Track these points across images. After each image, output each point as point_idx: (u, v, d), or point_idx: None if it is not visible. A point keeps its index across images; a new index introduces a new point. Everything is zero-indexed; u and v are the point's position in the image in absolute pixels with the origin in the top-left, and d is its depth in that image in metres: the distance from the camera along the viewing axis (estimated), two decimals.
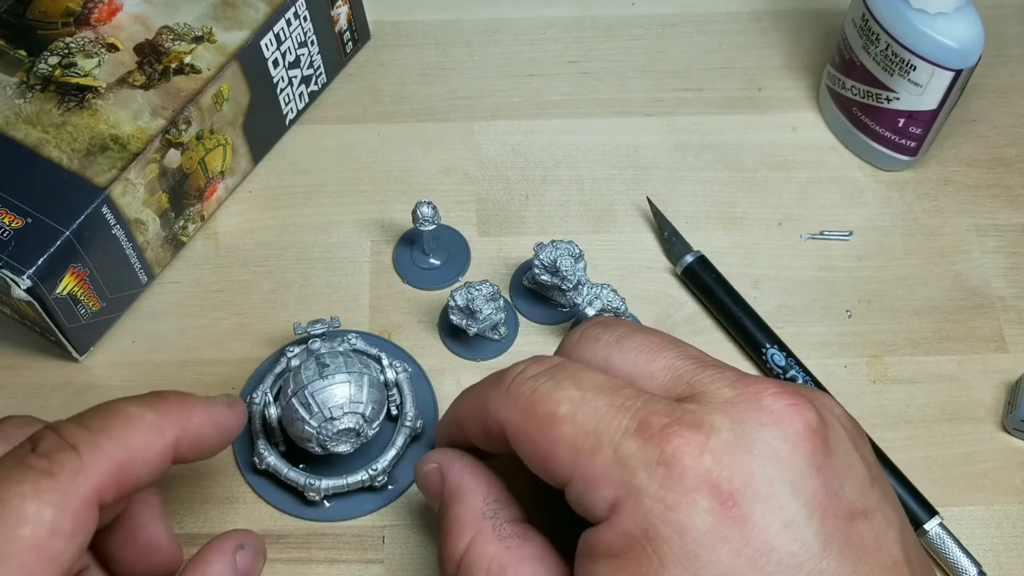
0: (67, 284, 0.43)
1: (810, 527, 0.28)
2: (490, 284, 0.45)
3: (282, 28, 0.49)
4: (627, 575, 0.28)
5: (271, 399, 0.43)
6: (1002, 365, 0.47)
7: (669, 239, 0.49)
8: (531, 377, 0.32)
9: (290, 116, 0.53)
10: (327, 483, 0.42)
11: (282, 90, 0.51)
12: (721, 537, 0.27)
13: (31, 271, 0.41)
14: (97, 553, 0.35)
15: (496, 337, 0.47)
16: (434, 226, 0.47)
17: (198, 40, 0.47)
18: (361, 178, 0.52)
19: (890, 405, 0.46)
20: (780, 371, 0.45)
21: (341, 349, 0.43)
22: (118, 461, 0.31)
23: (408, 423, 0.43)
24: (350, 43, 0.55)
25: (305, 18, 0.50)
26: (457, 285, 0.48)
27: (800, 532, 0.27)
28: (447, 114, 0.54)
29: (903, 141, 0.50)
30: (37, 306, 0.42)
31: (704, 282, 0.48)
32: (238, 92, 0.48)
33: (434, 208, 0.46)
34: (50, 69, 0.46)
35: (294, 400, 0.41)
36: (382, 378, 0.43)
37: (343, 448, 0.41)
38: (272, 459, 0.42)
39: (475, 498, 0.34)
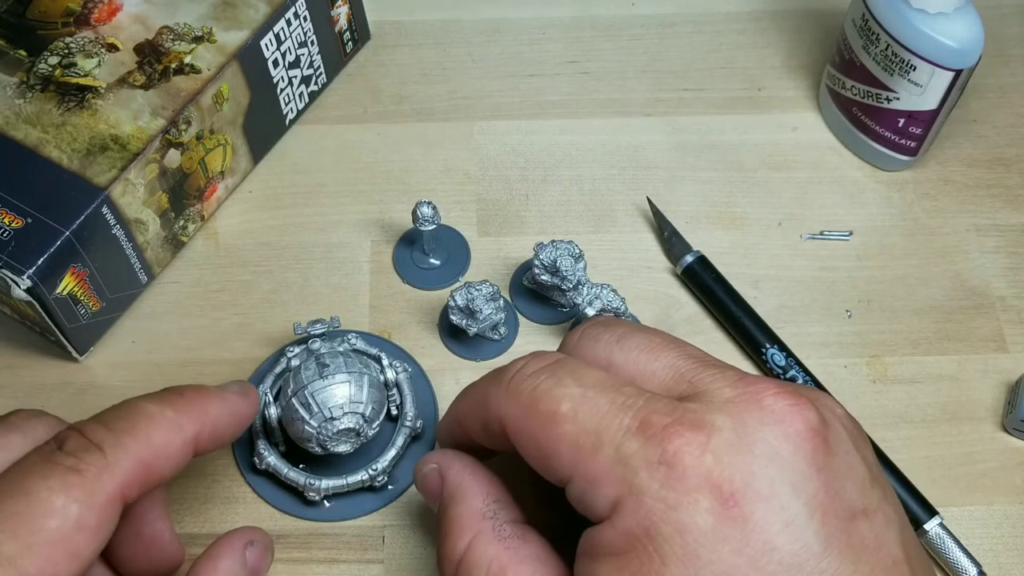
0: (67, 284, 0.43)
1: (811, 527, 0.28)
2: (490, 284, 0.45)
3: (282, 28, 0.49)
4: (628, 574, 0.28)
5: (271, 399, 0.43)
6: (1002, 365, 0.47)
7: (669, 239, 0.49)
8: (532, 374, 0.32)
9: (290, 116, 0.53)
10: (327, 483, 0.42)
11: (282, 90, 0.51)
12: (722, 537, 0.27)
13: (31, 271, 0.41)
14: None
15: (496, 337, 0.47)
16: (434, 226, 0.47)
17: (198, 40, 0.47)
18: (361, 178, 0.52)
19: (890, 405, 0.46)
20: (780, 371, 0.45)
21: (341, 349, 0.43)
22: (142, 459, 0.32)
23: (408, 423, 0.43)
24: (350, 43, 0.55)
25: (305, 18, 0.50)
26: (457, 285, 0.48)
27: (801, 532, 0.27)
28: (447, 114, 0.54)
29: (903, 141, 0.50)
30: (37, 306, 0.42)
31: (704, 282, 0.48)
32: (238, 92, 0.48)
33: (434, 208, 0.46)
34: (50, 69, 0.46)
35: (294, 400, 0.41)
36: (382, 378, 0.43)
37: (343, 448, 0.41)
38: (272, 459, 0.42)
39: (475, 498, 0.34)
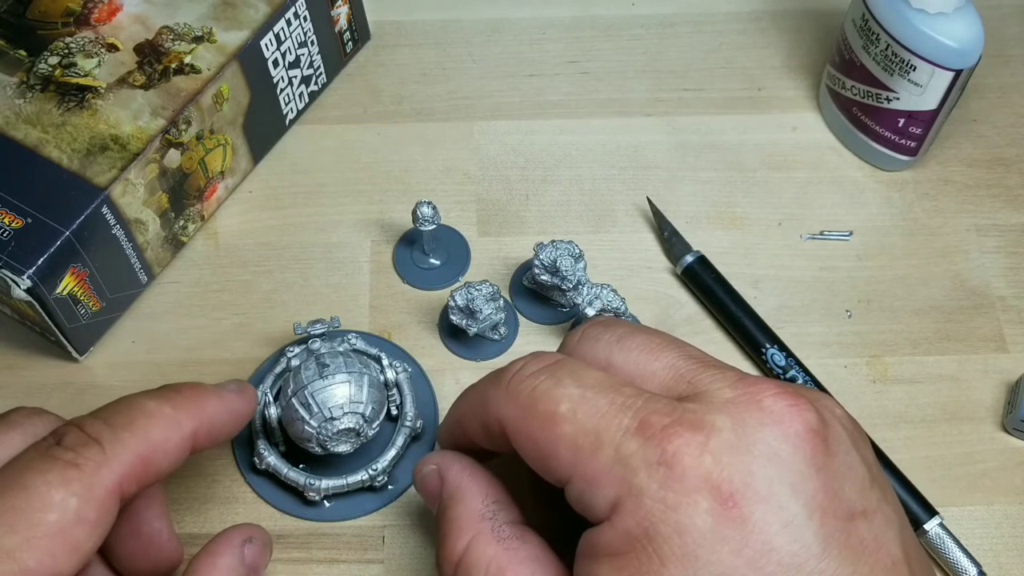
0: (67, 284, 0.43)
1: (810, 527, 0.28)
2: (490, 284, 0.45)
3: (282, 28, 0.49)
4: (627, 574, 0.28)
5: (271, 399, 0.43)
6: (1002, 365, 0.47)
7: (669, 239, 0.49)
8: (531, 374, 0.32)
9: (290, 116, 0.53)
10: (327, 483, 0.42)
11: (282, 90, 0.51)
12: (721, 537, 0.27)
13: (31, 271, 0.41)
14: (100, 549, 0.35)
15: (496, 337, 0.47)
16: (434, 226, 0.47)
17: (198, 40, 0.47)
18: (361, 178, 0.52)
19: (890, 405, 0.46)
20: (780, 371, 0.45)
21: (341, 349, 0.43)
22: (140, 454, 0.32)
23: (408, 423, 0.43)
24: (350, 43, 0.55)
25: (305, 18, 0.50)
26: (457, 285, 0.48)
27: (800, 532, 0.27)
28: (447, 114, 0.54)
29: (903, 141, 0.50)
30: (37, 306, 0.42)
31: (704, 282, 0.48)
32: (238, 92, 0.48)
33: (434, 208, 0.46)
34: (50, 69, 0.46)
35: (294, 400, 0.41)
36: (382, 378, 0.43)
37: (343, 448, 0.41)
38: (272, 459, 0.42)
39: (474, 499, 0.34)
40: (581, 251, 0.46)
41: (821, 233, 0.51)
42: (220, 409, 0.36)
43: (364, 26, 0.56)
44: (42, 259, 0.41)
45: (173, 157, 0.46)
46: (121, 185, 0.44)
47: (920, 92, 0.48)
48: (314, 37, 0.52)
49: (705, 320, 0.48)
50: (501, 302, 0.45)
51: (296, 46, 0.51)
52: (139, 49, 0.47)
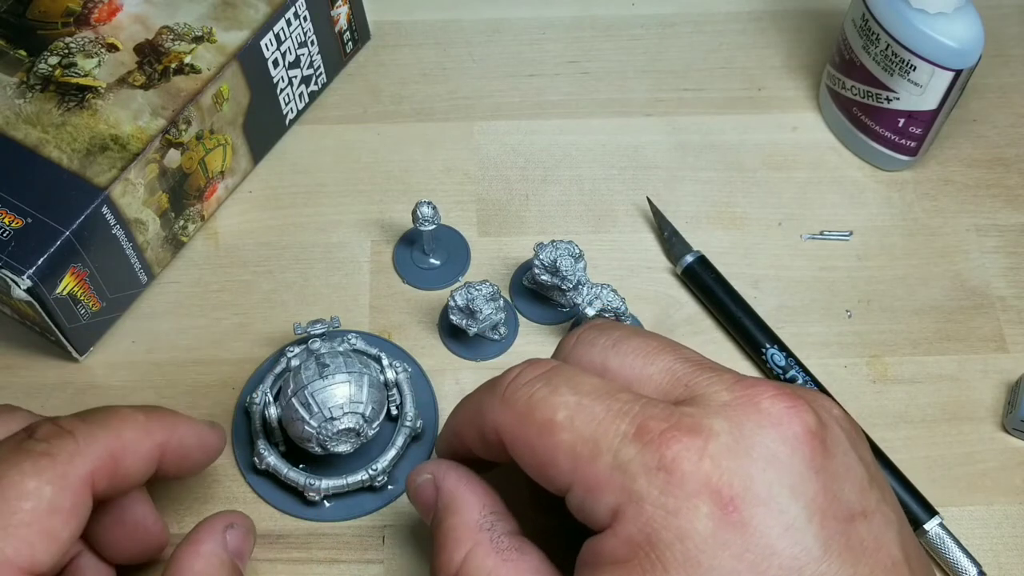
0: (67, 284, 0.43)
1: (810, 530, 0.28)
2: (490, 284, 0.45)
3: (282, 28, 0.49)
4: None
5: (271, 399, 0.43)
6: (1002, 365, 0.47)
7: (669, 239, 0.49)
8: (527, 383, 0.32)
9: (290, 116, 0.53)
10: (327, 483, 0.42)
11: (282, 90, 0.51)
12: (722, 542, 0.27)
13: (31, 271, 0.41)
14: (87, 539, 0.36)
15: (496, 337, 0.47)
16: (434, 226, 0.47)
17: (198, 40, 0.47)
18: (361, 178, 0.52)
19: (890, 405, 0.46)
20: (780, 371, 0.45)
21: (341, 349, 0.43)
22: (111, 449, 0.33)
23: (408, 423, 0.43)
24: (350, 43, 0.55)
25: (305, 18, 0.50)
26: (457, 285, 0.48)
27: (800, 535, 0.27)
28: (447, 114, 0.54)
29: (903, 141, 0.50)
30: (37, 306, 0.42)
31: (704, 282, 0.48)
32: (238, 92, 0.48)
33: (434, 208, 0.46)
34: (50, 69, 0.46)
35: (294, 400, 0.41)
36: (382, 378, 0.43)
37: (343, 448, 0.41)
38: (272, 459, 0.42)
39: (471, 510, 0.33)
40: (581, 251, 0.46)
41: (821, 233, 0.51)
42: (190, 433, 0.37)
43: (364, 26, 0.56)
44: (42, 259, 0.41)
45: (173, 157, 0.46)
46: (121, 185, 0.44)
47: (920, 92, 0.48)
48: (314, 37, 0.52)
49: (705, 320, 0.48)
50: (501, 302, 0.45)
51: (296, 46, 0.51)
52: (139, 49, 0.47)
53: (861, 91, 0.50)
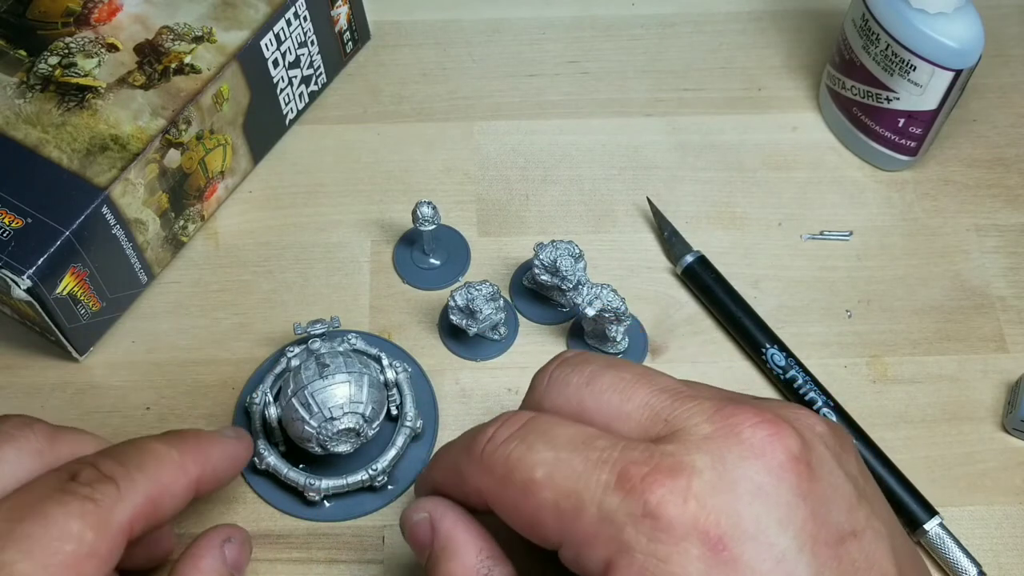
0: (67, 284, 0.43)
1: (802, 559, 0.27)
2: (490, 284, 0.45)
3: (282, 28, 0.49)
4: None
5: (271, 399, 0.43)
6: (1002, 365, 0.47)
7: (669, 239, 0.49)
8: (503, 443, 0.31)
9: (290, 116, 0.53)
10: (327, 483, 0.42)
11: (282, 90, 0.51)
12: None
13: (31, 271, 0.41)
14: None
15: (496, 337, 0.47)
16: (434, 226, 0.47)
17: (198, 40, 0.47)
18: (361, 178, 0.52)
19: (890, 405, 0.46)
20: (780, 371, 0.45)
21: (341, 349, 0.43)
22: (150, 495, 0.33)
23: (408, 423, 0.43)
24: (350, 43, 0.55)
25: (305, 18, 0.50)
26: (457, 285, 0.48)
27: (792, 566, 0.27)
28: (447, 114, 0.54)
29: (903, 141, 0.50)
30: (37, 306, 0.42)
31: (704, 282, 0.48)
32: (238, 92, 0.48)
33: (434, 208, 0.46)
34: (50, 69, 0.46)
35: (294, 400, 0.41)
36: (382, 378, 0.43)
37: (343, 448, 0.41)
38: (272, 459, 0.42)
39: (468, 554, 0.33)
40: (581, 251, 0.46)
41: (821, 233, 0.51)
42: (223, 456, 0.37)
43: (364, 26, 0.56)
44: (42, 259, 0.41)
45: (173, 157, 0.46)
46: (121, 185, 0.44)
47: (920, 92, 0.48)
48: (314, 37, 0.52)
49: (705, 320, 0.48)
50: (501, 302, 0.45)
51: (296, 46, 0.51)
52: (139, 49, 0.47)
53: (861, 91, 0.50)
